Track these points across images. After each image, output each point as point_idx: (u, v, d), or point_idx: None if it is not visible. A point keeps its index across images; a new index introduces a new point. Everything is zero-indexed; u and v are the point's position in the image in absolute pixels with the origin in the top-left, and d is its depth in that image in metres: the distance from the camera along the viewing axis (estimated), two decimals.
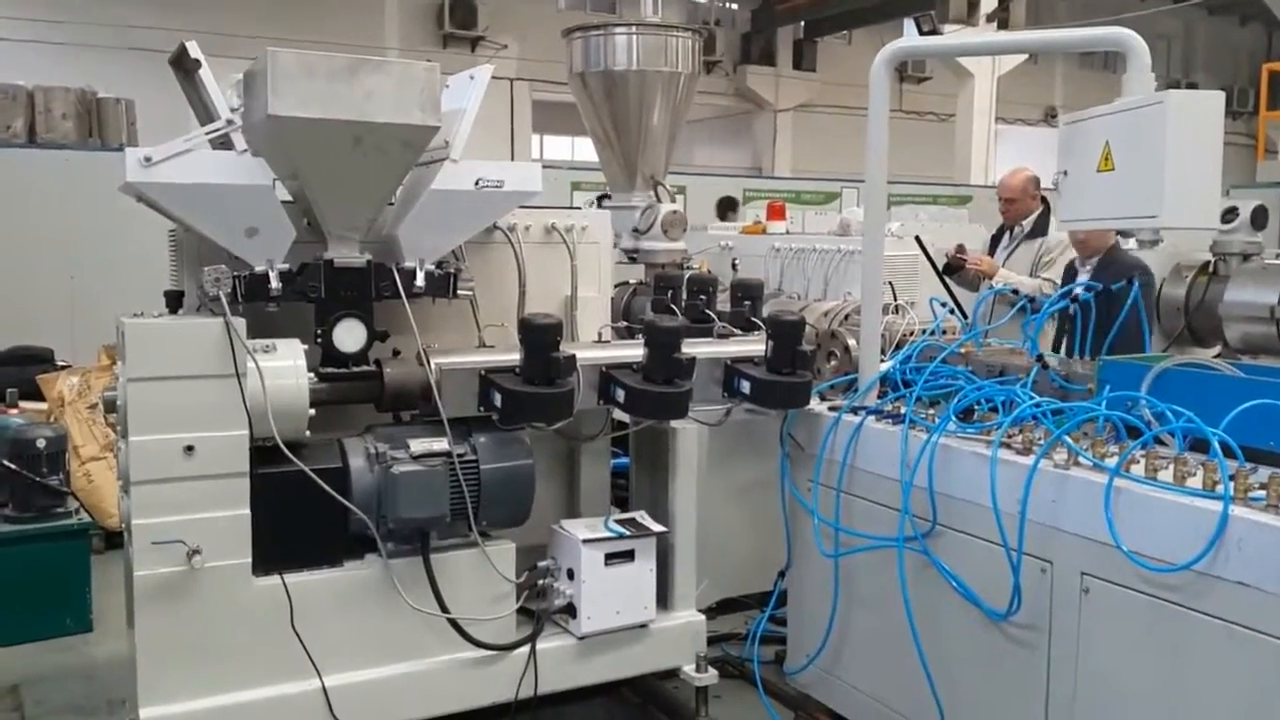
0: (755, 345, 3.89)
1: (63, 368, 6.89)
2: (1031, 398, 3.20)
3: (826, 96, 20.74)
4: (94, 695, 4.24)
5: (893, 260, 5.08)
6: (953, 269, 5.92)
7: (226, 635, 3.13)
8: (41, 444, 4.83)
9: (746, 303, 4.62)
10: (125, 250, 7.06)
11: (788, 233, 6.60)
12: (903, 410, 3.53)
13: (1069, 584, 2.92)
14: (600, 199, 5.90)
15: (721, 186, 13.02)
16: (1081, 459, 2.92)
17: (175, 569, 3.03)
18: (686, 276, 4.94)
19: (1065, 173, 3.61)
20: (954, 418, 3.28)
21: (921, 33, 16.45)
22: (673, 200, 5.85)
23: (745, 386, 3.78)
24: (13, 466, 4.77)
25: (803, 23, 20.37)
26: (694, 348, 3.70)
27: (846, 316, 4.48)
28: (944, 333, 4.29)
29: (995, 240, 6.29)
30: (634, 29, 5.49)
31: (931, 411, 3.47)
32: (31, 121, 8.53)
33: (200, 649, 3.10)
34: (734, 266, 5.61)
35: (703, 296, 4.71)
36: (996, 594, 3.12)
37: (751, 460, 4.63)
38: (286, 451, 3.13)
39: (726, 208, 12.33)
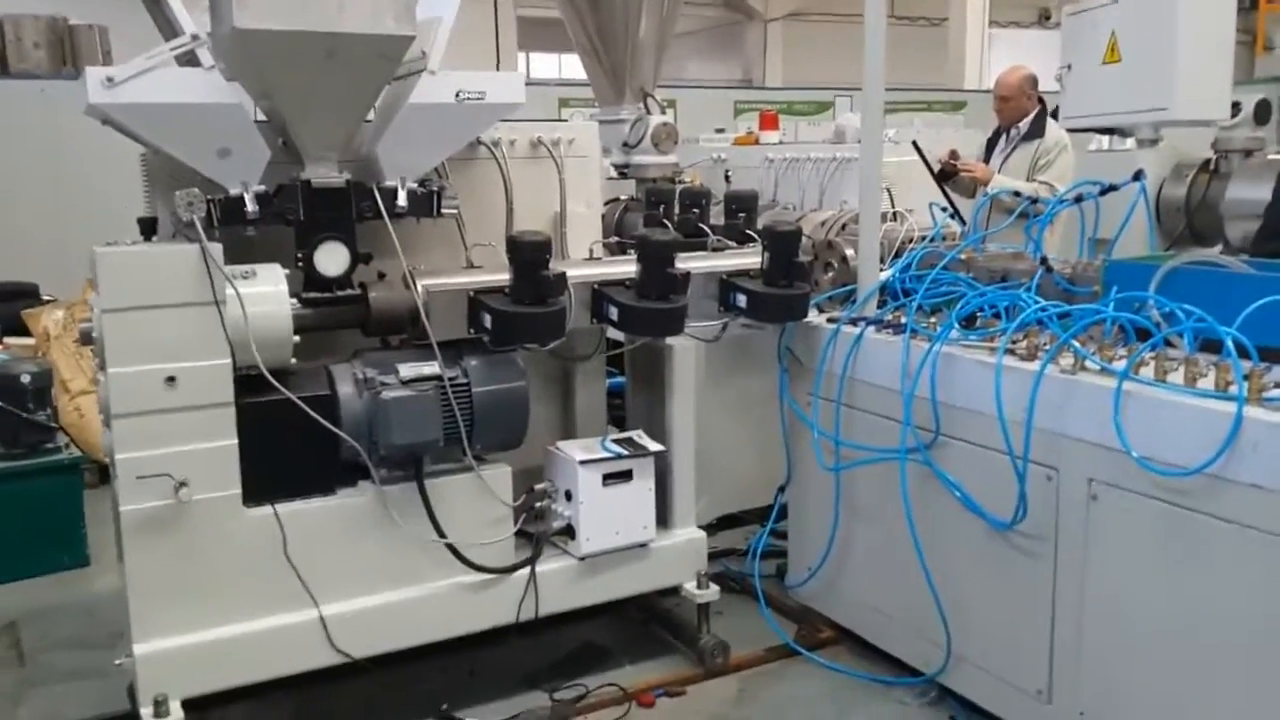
0: (751, 258, 3.79)
1: (48, 302, 6.79)
2: (1036, 302, 3.11)
3: (818, 4, 20.26)
4: (95, 629, 4.22)
5: (889, 167, 4.95)
6: (946, 175, 5.78)
7: (220, 567, 3.07)
8: (26, 379, 4.75)
9: (741, 215, 4.52)
10: (108, 179, 6.88)
11: (781, 143, 6.43)
12: (903, 320, 3.45)
13: (1076, 491, 2.87)
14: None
15: (713, 99, 12.75)
16: (1089, 363, 2.85)
17: (162, 502, 2.96)
18: (678, 190, 4.82)
19: (1069, 67, 3.50)
20: (956, 325, 3.20)
21: None
22: (663, 112, 5.70)
23: (741, 300, 3.68)
24: None
25: None
26: (688, 262, 3.60)
27: (844, 226, 4.37)
28: (944, 239, 4.19)
29: (991, 144, 6.13)
30: None
31: (933, 320, 3.38)
32: (3, 52, 8.37)
33: (193, 582, 3.04)
34: (727, 179, 5.47)
35: (695, 210, 4.60)
36: (1001, 503, 3.07)
37: (749, 375, 4.56)
38: (271, 380, 3.04)
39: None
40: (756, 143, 6.61)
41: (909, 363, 3.29)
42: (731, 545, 4.72)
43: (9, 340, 6.40)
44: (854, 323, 3.64)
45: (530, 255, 3.27)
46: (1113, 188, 3.66)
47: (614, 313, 3.47)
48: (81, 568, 4.85)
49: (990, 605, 3.19)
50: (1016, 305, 3.21)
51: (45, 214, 7.81)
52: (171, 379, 2.96)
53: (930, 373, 3.20)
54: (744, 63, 21.35)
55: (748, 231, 4.39)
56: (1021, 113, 5.84)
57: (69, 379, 6.00)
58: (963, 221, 5.11)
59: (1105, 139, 8.50)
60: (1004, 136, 6.00)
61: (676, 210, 4.66)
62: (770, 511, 4.28)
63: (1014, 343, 3.08)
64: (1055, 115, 5.67)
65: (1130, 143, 5.62)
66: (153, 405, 2.95)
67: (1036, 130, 5.79)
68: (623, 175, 5.73)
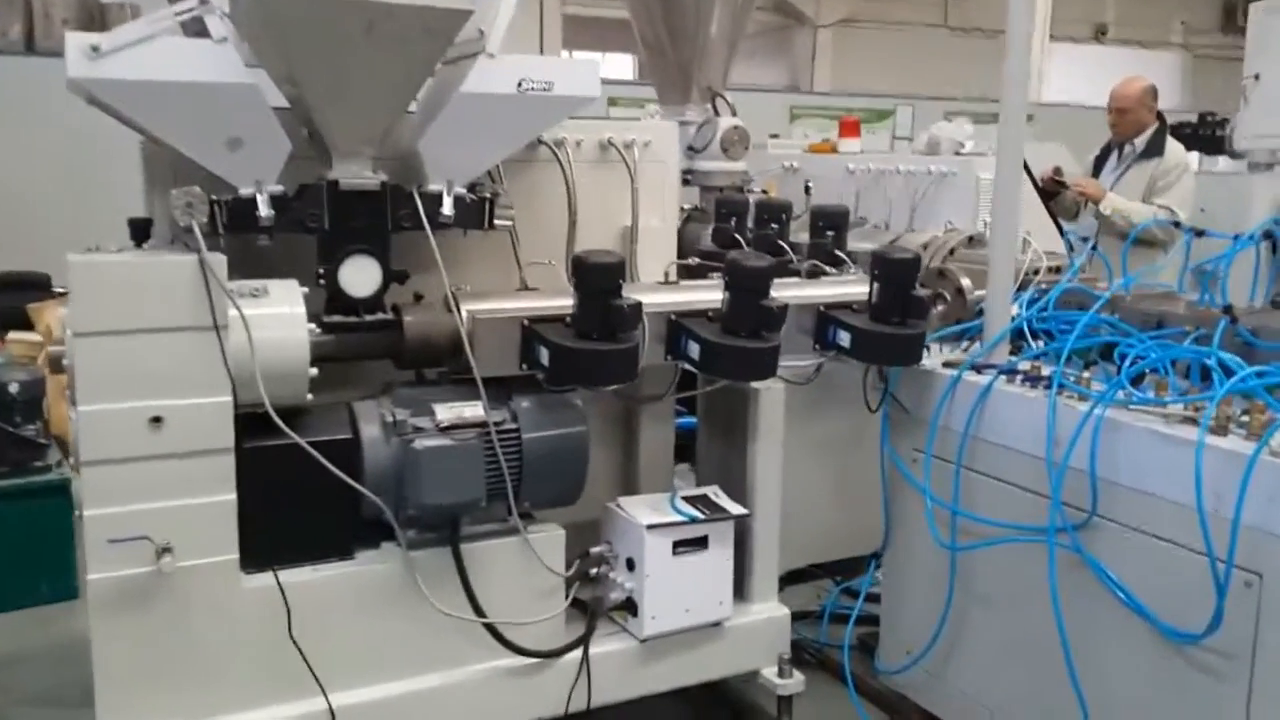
0: (855, 287, 3.21)
1: (59, 294, 6.32)
2: (1237, 362, 2.51)
3: (870, 11, 19.63)
4: (69, 681, 3.68)
5: (985, 183, 4.37)
6: (1048, 195, 5.18)
7: (210, 649, 2.52)
8: (14, 389, 4.24)
9: (829, 234, 3.93)
10: (135, 166, 6.51)
11: (863, 152, 5.81)
12: (1045, 370, 2.86)
13: None
14: None
15: (765, 104, 12.20)
16: None
17: (140, 570, 2.41)
18: (754, 202, 4.25)
19: (1256, 76, 2.88)
20: (1126, 384, 2.60)
21: None
22: (733, 114, 5.13)
23: (843, 338, 3.10)
24: None
25: None
26: (782, 290, 3.02)
27: (952, 250, 3.77)
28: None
29: (1100, 161, 5.52)
30: None
31: (1085, 375, 2.79)
32: (30, 28, 8.13)
33: (177, 668, 2.50)
34: (807, 190, 4.89)
35: (774, 225, 4.02)
36: (1170, 606, 2.49)
37: (827, 414, 3.97)
38: (279, 422, 2.49)
39: None
40: (834, 151, 6.00)
41: (1057, 425, 2.69)
42: (803, 606, 4.12)
43: (12, 335, 5.94)
44: (979, 370, 3.05)
45: (600, 281, 2.71)
46: None
47: (694, 350, 2.90)
48: (69, 600, 4.32)
49: None
50: (1190, 361, 2.62)
51: (65, 201, 7.39)
52: (157, 419, 2.40)
53: (1090, 439, 2.59)
54: (791, 67, 20.74)
55: (837, 253, 3.82)
56: (1139, 127, 5.23)
57: None
58: (1070, 248, 4.53)
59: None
60: (1116, 153, 5.38)
61: (750, 224, 4.08)
62: (848, 569, 3.72)
63: (1194, 411, 2.49)
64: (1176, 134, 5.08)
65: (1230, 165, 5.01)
66: (133, 451, 2.40)
67: (1155, 148, 5.18)
68: (686, 183, 5.17)
